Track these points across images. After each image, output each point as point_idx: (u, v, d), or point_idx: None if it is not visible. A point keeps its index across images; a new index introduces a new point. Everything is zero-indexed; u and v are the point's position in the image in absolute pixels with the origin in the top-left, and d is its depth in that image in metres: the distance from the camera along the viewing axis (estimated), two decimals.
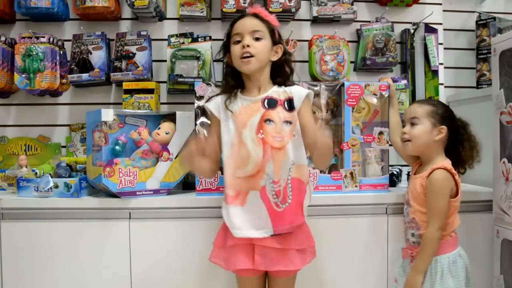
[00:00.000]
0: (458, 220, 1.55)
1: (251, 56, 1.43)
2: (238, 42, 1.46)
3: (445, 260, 1.50)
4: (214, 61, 2.15)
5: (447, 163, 1.53)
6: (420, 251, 1.51)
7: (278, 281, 1.51)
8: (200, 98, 1.75)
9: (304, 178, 1.47)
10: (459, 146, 1.58)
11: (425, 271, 1.49)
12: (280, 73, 1.54)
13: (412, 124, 1.58)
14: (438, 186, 1.50)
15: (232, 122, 1.48)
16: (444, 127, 1.56)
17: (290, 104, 1.48)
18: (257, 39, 1.45)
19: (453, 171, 1.51)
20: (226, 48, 1.53)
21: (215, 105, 1.53)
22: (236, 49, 1.46)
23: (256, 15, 1.49)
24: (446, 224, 1.51)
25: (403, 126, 1.64)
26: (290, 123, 1.46)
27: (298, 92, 1.50)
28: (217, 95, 1.57)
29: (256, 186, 1.43)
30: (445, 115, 1.58)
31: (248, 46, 1.43)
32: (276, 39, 1.50)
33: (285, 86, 1.52)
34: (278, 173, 1.42)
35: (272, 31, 1.49)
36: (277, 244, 1.43)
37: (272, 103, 1.47)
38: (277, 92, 1.50)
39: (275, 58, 1.51)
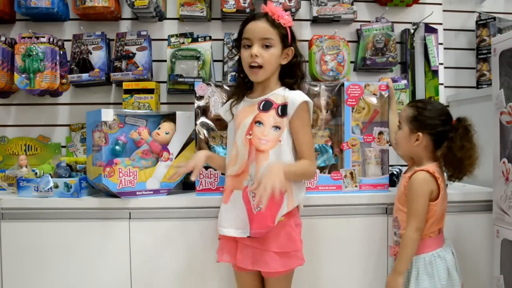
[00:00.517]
0: (441, 223, 1.54)
1: (259, 66, 1.43)
2: (248, 46, 1.45)
3: (421, 260, 1.49)
4: (214, 61, 2.16)
5: (432, 166, 1.50)
6: (399, 252, 1.50)
7: (268, 280, 1.50)
8: (200, 98, 1.75)
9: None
10: (445, 148, 1.48)
11: (405, 272, 1.48)
12: (289, 75, 1.51)
13: (399, 127, 1.60)
14: (417, 187, 1.49)
15: (232, 123, 1.53)
16: (420, 134, 1.50)
17: (283, 110, 1.45)
18: (267, 46, 1.43)
19: (436, 174, 1.48)
20: (238, 45, 1.51)
21: (223, 109, 1.58)
22: (245, 55, 1.46)
23: (268, 18, 1.44)
24: (427, 225, 1.49)
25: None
26: (279, 128, 1.45)
27: (294, 98, 1.45)
28: (228, 99, 1.59)
29: (240, 185, 1.46)
30: (425, 121, 1.51)
31: (256, 56, 1.42)
32: (287, 43, 1.47)
33: (293, 89, 1.50)
34: (257, 175, 1.41)
35: (283, 36, 1.45)
36: (257, 244, 1.43)
37: (267, 106, 1.47)
38: (277, 95, 1.48)
39: (284, 62, 1.49)
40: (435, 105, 1.57)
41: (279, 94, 1.48)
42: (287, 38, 1.46)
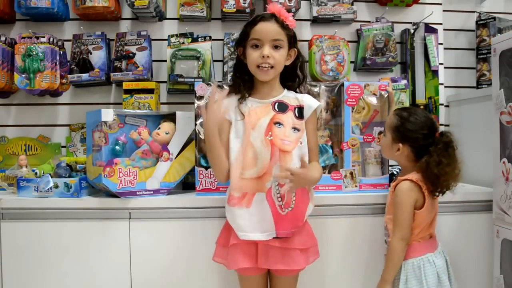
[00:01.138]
0: (432, 228, 1.55)
1: (270, 66, 1.44)
2: (257, 46, 1.45)
3: (409, 265, 1.50)
4: (214, 61, 2.16)
5: (415, 174, 1.50)
6: (386, 260, 1.51)
7: (281, 279, 1.52)
8: (200, 98, 1.75)
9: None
10: (423, 163, 1.47)
11: (392, 281, 1.49)
12: (291, 77, 1.54)
13: (384, 133, 1.61)
14: (401, 198, 1.50)
15: (241, 123, 1.48)
16: (400, 145, 1.52)
17: (300, 112, 1.50)
18: (276, 47, 1.45)
19: (420, 183, 1.47)
20: (240, 44, 1.51)
21: (225, 107, 1.50)
22: (254, 55, 1.45)
23: (277, 19, 1.45)
24: (414, 233, 1.50)
25: None
26: (298, 130, 1.48)
27: (310, 102, 1.52)
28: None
29: (263, 188, 1.43)
30: (406, 133, 1.51)
31: (268, 57, 1.43)
32: (292, 44, 1.49)
33: (296, 92, 1.54)
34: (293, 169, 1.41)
35: (290, 37, 1.48)
36: (280, 244, 1.44)
37: (282, 107, 1.49)
38: (288, 97, 1.51)
39: (288, 63, 1.51)
40: (420, 116, 1.53)
41: (290, 96, 1.52)
42: (292, 39, 1.49)
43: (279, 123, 1.46)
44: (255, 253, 1.45)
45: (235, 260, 1.45)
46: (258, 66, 1.45)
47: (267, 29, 1.44)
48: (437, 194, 1.52)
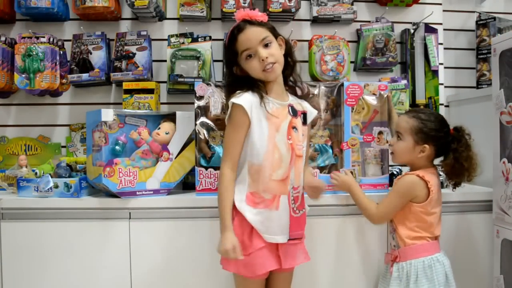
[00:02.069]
0: (437, 231, 1.56)
1: (273, 63, 1.43)
2: (250, 56, 1.44)
3: (420, 264, 1.51)
4: (214, 61, 2.16)
5: (426, 171, 1.53)
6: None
7: (280, 276, 1.53)
8: (200, 98, 1.75)
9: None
10: (451, 159, 1.53)
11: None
12: (287, 65, 1.52)
13: (398, 137, 1.59)
14: (400, 185, 1.54)
15: (266, 123, 1.44)
16: (427, 146, 1.53)
17: (304, 118, 1.54)
18: (267, 45, 1.44)
19: (427, 178, 1.50)
20: (233, 63, 1.49)
21: (247, 102, 1.42)
22: (254, 65, 1.43)
23: (250, 22, 1.45)
24: (414, 227, 1.52)
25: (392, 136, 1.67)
26: (303, 135, 1.52)
27: (310, 109, 1.58)
28: (244, 91, 1.46)
29: (285, 190, 1.46)
30: (431, 133, 1.53)
31: (267, 57, 1.42)
32: (276, 34, 1.48)
33: (295, 82, 1.56)
34: (298, 179, 1.48)
35: (271, 29, 1.47)
36: (294, 242, 1.49)
37: (295, 112, 1.50)
38: (294, 101, 1.53)
39: (283, 51, 1.50)
40: (437, 116, 1.59)
41: (295, 101, 1.54)
42: (274, 30, 1.48)
43: (295, 128, 1.48)
44: (277, 253, 1.46)
45: (263, 263, 1.42)
46: (263, 71, 1.44)
47: (249, 35, 1.43)
48: (456, 187, 1.59)
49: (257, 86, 1.47)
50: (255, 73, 1.45)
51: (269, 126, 1.44)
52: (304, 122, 1.53)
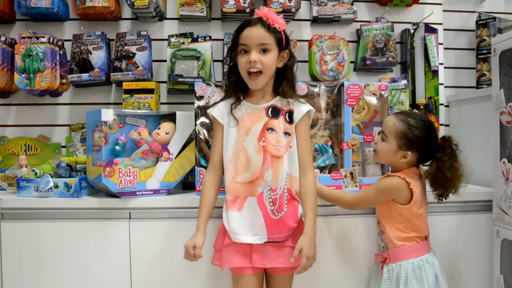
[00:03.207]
0: (424, 231, 1.55)
1: (259, 71, 1.43)
2: (245, 52, 1.45)
3: (410, 265, 1.50)
4: (214, 61, 2.16)
5: (408, 171, 1.52)
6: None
7: (277, 278, 1.53)
8: (200, 98, 1.75)
9: (295, 189, 1.50)
10: (434, 168, 1.50)
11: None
12: (282, 79, 1.52)
13: (382, 138, 1.57)
14: (382, 184, 1.54)
15: (235, 128, 1.49)
16: (409, 153, 1.50)
17: (290, 117, 1.51)
18: (264, 51, 1.44)
19: (408, 179, 1.48)
20: (232, 49, 1.51)
21: (218, 111, 1.53)
22: (243, 60, 1.45)
23: (263, 23, 1.44)
24: (402, 228, 1.51)
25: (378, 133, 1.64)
26: (289, 134, 1.49)
27: (300, 107, 1.52)
28: (221, 100, 1.57)
29: (254, 192, 1.46)
30: (416, 141, 1.50)
31: (255, 61, 1.42)
32: (282, 46, 1.48)
33: (286, 94, 1.51)
34: (276, 181, 1.46)
35: (278, 40, 1.46)
36: (273, 245, 1.46)
37: (275, 113, 1.50)
38: (281, 101, 1.51)
39: (280, 65, 1.50)
40: (426, 123, 1.54)
41: (282, 101, 1.52)
42: (282, 42, 1.47)
43: (272, 129, 1.48)
44: (250, 252, 1.46)
45: (229, 259, 1.47)
46: (249, 74, 1.45)
47: (252, 34, 1.44)
48: (442, 198, 1.54)
49: (238, 87, 1.52)
50: (241, 69, 1.47)
51: (238, 131, 1.49)
52: (290, 121, 1.50)
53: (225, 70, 1.98)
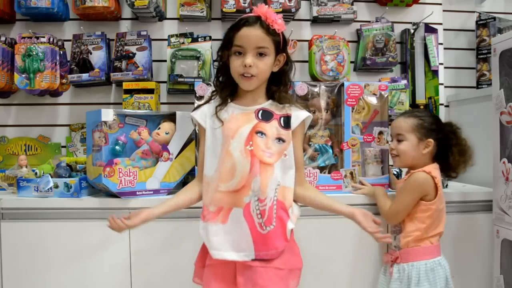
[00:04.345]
0: (441, 227, 1.55)
1: (253, 76, 1.30)
2: (239, 53, 1.31)
3: (422, 266, 1.50)
4: (214, 61, 2.16)
5: (431, 167, 1.54)
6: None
7: None
8: (200, 98, 1.75)
9: (288, 203, 1.33)
10: (448, 152, 1.57)
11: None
12: (276, 82, 1.39)
13: (399, 140, 1.59)
14: (411, 184, 1.53)
15: (220, 131, 1.34)
16: (431, 140, 1.55)
17: (287, 122, 1.36)
18: (260, 54, 1.30)
19: (433, 174, 1.51)
20: (224, 48, 1.36)
21: (201, 114, 1.39)
22: (236, 63, 1.31)
23: (262, 23, 1.29)
24: (424, 228, 1.51)
25: (391, 140, 1.67)
26: (283, 141, 1.34)
27: (298, 112, 1.38)
28: (205, 102, 1.42)
29: (240, 202, 1.29)
30: (431, 127, 1.57)
31: (250, 66, 1.29)
32: (279, 49, 1.34)
33: (282, 99, 1.38)
34: (265, 190, 1.29)
35: (277, 43, 1.33)
36: (259, 262, 1.29)
37: (266, 116, 1.35)
38: (275, 105, 1.37)
39: (276, 69, 1.37)
40: (429, 112, 1.66)
41: (276, 105, 1.37)
42: (280, 45, 1.34)
43: (261, 133, 1.32)
44: (233, 274, 1.31)
45: (208, 283, 1.33)
46: (241, 75, 1.31)
47: (250, 36, 1.29)
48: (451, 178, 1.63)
49: (227, 88, 1.38)
50: (233, 71, 1.33)
51: (223, 133, 1.33)
52: (286, 126, 1.35)
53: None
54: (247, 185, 1.29)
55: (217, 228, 1.30)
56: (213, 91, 1.43)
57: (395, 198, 1.59)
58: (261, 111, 1.35)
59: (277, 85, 1.38)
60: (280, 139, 1.33)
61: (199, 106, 1.43)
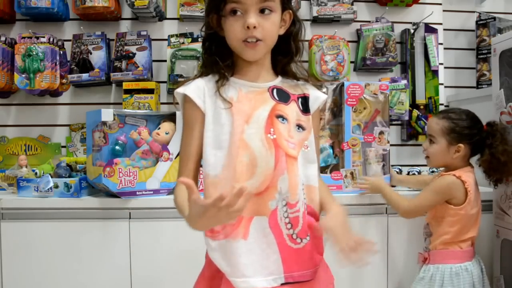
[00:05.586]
0: (473, 231, 1.51)
1: (258, 40, 1.00)
2: (236, 13, 0.99)
3: (447, 269, 1.48)
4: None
5: (463, 170, 1.51)
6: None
7: None
8: None
9: (316, 206, 1.04)
10: (488, 155, 1.50)
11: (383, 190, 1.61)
12: (283, 51, 1.09)
13: (431, 141, 1.57)
14: (437, 185, 1.51)
15: (227, 114, 1.01)
16: (461, 145, 1.50)
17: (305, 104, 1.07)
18: (264, 11, 0.99)
19: (464, 178, 1.47)
20: (213, 11, 1.03)
21: (197, 91, 1.03)
22: (235, 26, 0.99)
23: None
24: (453, 231, 1.48)
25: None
26: (304, 129, 1.05)
27: (316, 92, 1.10)
28: (196, 77, 1.07)
29: (264, 209, 0.98)
30: (464, 132, 1.51)
31: (255, 27, 0.98)
32: (285, 4, 1.05)
33: (294, 72, 1.10)
34: (295, 191, 1.00)
35: None
36: (293, 284, 1.00)
37: (283, 96, 1.05)
38: (286, 84, 1.08)
39: (282, 31, 1.07)
40: (468, 114, 1.55)
41: (288, 82, 1.09)
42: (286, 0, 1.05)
43: (283, 117, 1.02)
44: None
45: None
46: (244, 41, 1.00)
47: None
48: (498, 183, 1.55)
49: (222, 61, 1.05)
50: (232, 38, 1.01)
51: (234, 117, 1.00)
52: (305, 109, 1.07)
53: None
54: (272, 186, 0.98)
55: (239, 246, 0.97)
56: (201, 69, 1.11)
57: (419, 194, 1.56)
58: (275, 90, 1.06)
59: (286, 55, 1.09)
60: (300, 126, 1.05)
61: (186, 80, 1.07)
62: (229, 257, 0.98)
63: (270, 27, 1.00)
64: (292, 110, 1.04)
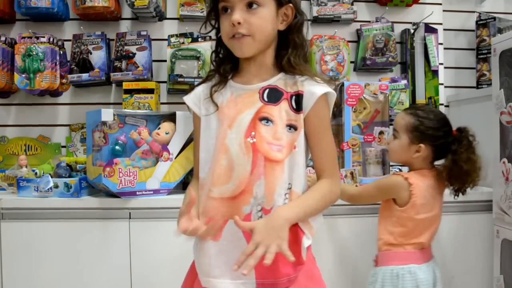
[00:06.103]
0: (421, 238, 1.42)
1: (244, 35, 1.00)
2: (226, 10, 1.02)
3: (388, 271, 1.41)
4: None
5: (414, 173, 1.44)
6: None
7: None
8: None
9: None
10: (450, 161, 1.40)
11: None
12: (286, 46, 1.08)
13: (394, 136, 1.49)
14: (382, 181, 1.49)
15: (214, 118, 1.06)
16: (422, 146, 1.41)
17: (297, 102, 1.04)
18: (251, 6, 0.99)
19: (411, 180, 1.39)
20: (213, 11, 1.09)
21: (194, 98, 1.11)
22: (225, 24, 1.02)
23: None
24: (396, 233, 1.42)
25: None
26: (295, 129, 1.03)
27: (312, 87, 1.04)
28: (201, 83, 1.14)
29: (238, 214, 0.98)
30: (427, 132, 1.42)
31: (239, 23, 0.99)
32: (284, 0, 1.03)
33: (294, 67, 1.06)
34: (271, 197, 1.00)
35: None
36: None
37: (274, 96, 1.04)
38: (285, 81, 1.06)
39: (283, 26, 1.06)
40: (437, 114, 1.47)
41: (287, 79, 1.06)
42: None
43: (267, 119, 1.02)
44: None
45: None
46: (231, 37, 1.02)
47: None
48: (458, 194, 1.46)
49: (225, 63, 1.10)
50: (223, 36, 1.05)
51: (219, 122, 1.04)
52: (297, 108, 1.04)
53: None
54: (248, 191, 0.99)
55: (208, 247, 1.01)
56: (210, 70, 1.15)
57: (366, 184, 1.55)
58: (267, 90, 1.05)
59: (287, 49, 1.07)
60: (291, 126, 1.03)
61: (194, 87, 1.14)
62: (198, 255, 1.05)
63: (258, 21, 1.00)
64: (280, 110, 1.03)
